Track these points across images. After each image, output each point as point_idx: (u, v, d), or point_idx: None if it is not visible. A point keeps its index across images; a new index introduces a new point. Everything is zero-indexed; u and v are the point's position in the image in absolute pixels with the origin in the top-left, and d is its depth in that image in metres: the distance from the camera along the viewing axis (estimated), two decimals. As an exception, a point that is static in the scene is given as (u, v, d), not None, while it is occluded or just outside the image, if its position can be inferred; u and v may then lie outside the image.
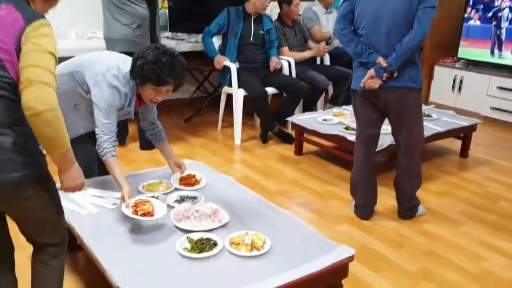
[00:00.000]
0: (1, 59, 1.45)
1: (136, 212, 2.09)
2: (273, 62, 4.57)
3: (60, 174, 1.64)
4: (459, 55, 5.75)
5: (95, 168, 2.68)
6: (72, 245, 2.45)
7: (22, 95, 1.42)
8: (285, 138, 4.54)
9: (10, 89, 1.47)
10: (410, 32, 2.62)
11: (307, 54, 4.94)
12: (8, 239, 1.81)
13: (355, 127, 3.10)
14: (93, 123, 2.38)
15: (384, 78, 2.69)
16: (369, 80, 2.72)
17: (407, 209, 3.08)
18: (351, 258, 2.03)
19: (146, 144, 4.25)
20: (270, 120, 4.50)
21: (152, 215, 2.10)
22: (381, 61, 2.67)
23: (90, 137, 2.49)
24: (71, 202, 2.35)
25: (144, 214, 2.08)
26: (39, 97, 1.41)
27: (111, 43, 3.82)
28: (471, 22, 5.62)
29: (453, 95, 5.72)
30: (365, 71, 2.75)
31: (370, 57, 2.71)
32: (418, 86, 2.77)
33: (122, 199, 2.17)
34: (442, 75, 5.84)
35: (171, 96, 5.68)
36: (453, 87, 5.71)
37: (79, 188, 1.71)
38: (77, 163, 1.66)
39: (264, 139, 4.55)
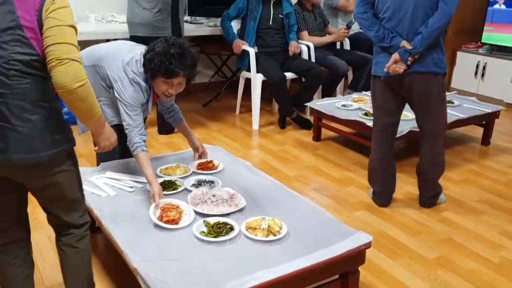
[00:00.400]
0: (27, 37, 1.45)
1: (161, 218, 2.07)
2: (292, 46, 4.53)
3: (95, 137, 1.73)
4: (483, 40, 5.63)
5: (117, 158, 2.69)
6: (91, 227, 2.50)
7: (53, 74, 1.44)
8: (303, 124, 4.52)
9: (39, 67, 1.49)
10: (435, 13, 2.56)
11: (326, 38, 4.88)
12: (26, 218, 1.85)
13: (373, 114, 3.06)
14: (114, 116, 2.39)
15: (408, 63, 2.64)
16: (393, 65, 2.66)
17: (430, 196, 3.04)
18: (368, 245, 2.01)
19: (164, 129, 4.27)
20: (289, 105, 4.47)
21: (176, 223, 2.06)
22: (405, 44, 2.61)
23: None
24: (90, 185, 2.38)
25: (168, 221, 2.06)
26: (71, 74, 1.43)
27: (132, 27, 3.82)
28: (496, 6, 5.48)
29: (476, 81, 5.62)
30: (387, 56, 2.69)
31: (393, 41, 2.65)
32: (442, 71, 2.71)
33: (152, 197, 2.17)
34: (465, 61, 5.73)
35: (190, 81, 5.70)
36: (476, 73, 5.61)
37: (113, 144, 1.79)
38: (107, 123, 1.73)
39: (282, 125, 4.53)
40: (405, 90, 2.76)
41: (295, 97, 4.54)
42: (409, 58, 2.62)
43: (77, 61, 1.45)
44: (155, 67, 2.23)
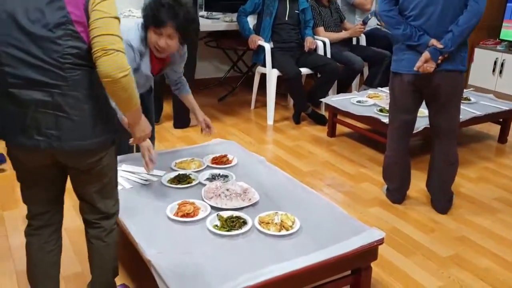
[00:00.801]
0: (77, 31, 1.53)
1: (177, 214, 2.09)
2: (308, 42, 4.52)
3: (132, 128, 1.77)
4: (501, 36, 5.56)
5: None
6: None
7: (99, 64, 1.50)
8: (318, 119, 4.51)
9: (88, 57, 1.55)
10: (465, 11, 2.53)
11: (342, 34, 4.86)
12: (63, 203, 1.92)
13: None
14: None
15: (438, 61, 2.60)
16: (425, 64, 2.62)
17: (445, 200, 2.96)
18: (381, 241, 2.01)
19: (180, 123, 4.30)
20: (304, 101, 4.47)
21: (192, 217, 2.07)
22: (434, 42, 2.57)
23: None
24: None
25: (183, 215, 2.08)
26: (115, 64, 1.49)
27: None
28: (516, 3, 5.41)
29: (494, 78, 5.55)
30: (412, 54, 2.65)
31: (422, 39, 2.60)
32: (465, 69, 2.71)
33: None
34: (483, 58, 5.66)
35: (205, 75, 5.77)
36: (493, 70, 5.54)
37: (148, 136, 1.84)
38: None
39: (297, 120, 4.53)
40: (431, 89, 2.71)
41: (310, 93, 4.53)
42: (440, 57, 2.59)
43: (121, 51, 1.52)
44: (147, 14, 2.27)
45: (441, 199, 2.96)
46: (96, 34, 1.51)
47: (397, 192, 3.03)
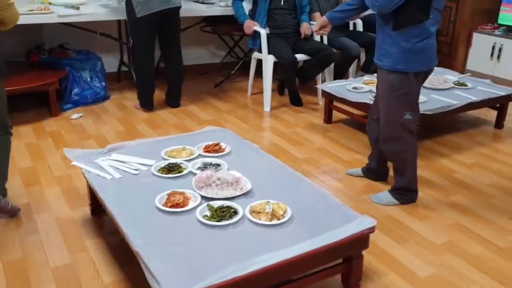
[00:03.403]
0: None
1: (166, 204, 2.07)
2: (304, 28, 4.47)
3: None
4: (499, 21, 5.49)
5: None
6: (98, 208, 2.53)
7: None
8: (295, 101, 4.62)
9: None
10: None
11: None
12: None
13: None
14: None
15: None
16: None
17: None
18: (372, 229, 2.00)
19: (173, 102, 4.42)
20: (295, 85, 4.56)
21: (181, 207, 2.05)
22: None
23: None
24: (96, 167, 2.39)
25: (173, 206, 2.06)
26: None
27: None
28: (514, -14, 5.34)
29: (492, 63, 5.50)
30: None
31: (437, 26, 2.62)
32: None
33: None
34: (481, 42, 5.61)
35: (201, 61, 5.73)
36: (491, 54, 5.49)
37: None
38: None
39: (281, 92, 4.79)
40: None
41: (300, 70, 4.58)
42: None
43: None
44: None
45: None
46: None
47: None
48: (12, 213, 2.58)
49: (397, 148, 2.78)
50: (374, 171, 3.12)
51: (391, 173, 2.98)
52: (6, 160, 2.61)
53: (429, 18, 2.49)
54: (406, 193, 2.86)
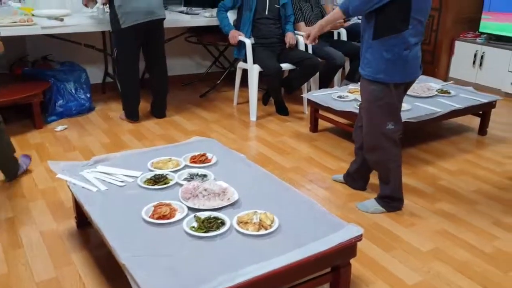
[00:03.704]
0: None
1: (153, 216, 2.06)
2: (288, 37, 4.50)
3: None
4: (481, 29, 5.59)
5: None
6: (83, 221, 2.50)
7: None
8: (281, 110, 4.63)
9: None
10: None
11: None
12: None
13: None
14: None
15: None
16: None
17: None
18: (359, 238, 2.00)
19: (158, 112, 4.42)
20: (280, 95, 4.58)
21: (168, 218, 2.04)
22: None
23: None
24: (81, 179, 2.37)
25: (159, 217, 2.05)
26: None
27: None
28: (494, -5, 5.44)
29: (474, 71, 5.58)
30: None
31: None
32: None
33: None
34: (463, 50, 5.69)
35: (187, 71, 5.74)
36: (473, 62, 5.57)
37: None
38: None
39: (265, 102, 4.81)
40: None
41: (286, 78, 4.59)
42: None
43: None
44: None
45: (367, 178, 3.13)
46: None
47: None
48: None
49: (380, 158, 2.80)
50: (352, 177, 3.13)
51: (374, 181, 2.99)
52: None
53: (408, 28, 2.49)
54: (391, 201, 2.88)
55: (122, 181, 2.36)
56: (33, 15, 4.26)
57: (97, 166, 2.49)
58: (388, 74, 2.57)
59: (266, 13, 4.50)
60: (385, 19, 2.49)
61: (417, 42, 2.59)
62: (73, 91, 4.38)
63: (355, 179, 3.13)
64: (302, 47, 4.63)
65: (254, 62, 4.40)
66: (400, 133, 2.78)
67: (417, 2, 2.45)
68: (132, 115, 4.27)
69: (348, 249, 2.01)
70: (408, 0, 2.43)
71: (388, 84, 2.59)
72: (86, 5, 4.29)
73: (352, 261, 2.09)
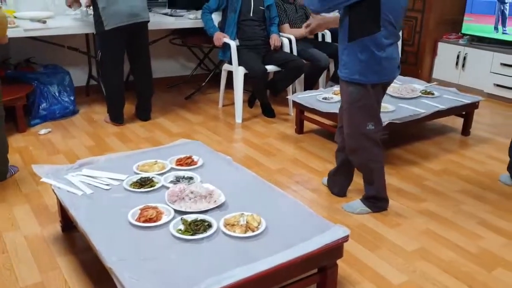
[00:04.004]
0: None
1: (139, 219, 2.05)
2: (273, 40, 4.52)
3: None
4: (463, 31, 5.66)
5: None
6: (68, 225, 2.48)
7: None
8: (268, 112, 4.62)
9: None
10: None
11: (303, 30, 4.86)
12: None
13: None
14: None
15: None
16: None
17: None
18: (346, 238, 2.01)
19: (143, 115, 4.40)
20: (266, 96, 4.57)
21: (154, 221, 2.03)
22: None
23: None
24: (66, 183, 2.35)
25: (146, 221, 2.03)
26: None
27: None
28: (476, -3, 5.51)
29: (457, 72, 5.65)
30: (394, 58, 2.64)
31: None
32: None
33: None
34: (446, 52, 5.76)
35: (172, 73, 5.72)
36: (456, 63, 5.64)
37: None
38: None
39: (251, 105, 4.75)
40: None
41: (271, 80, 4.60)
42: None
43: None
44: None
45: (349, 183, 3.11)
46: None
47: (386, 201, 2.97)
48: None
49: (363, 158, 2.81)
50: (332, 180, 3.12)
51: (359, 181, 3.01)
52: None
53: (381, 30, 2.51)
54: (377, 201, 2.90)
55: (107, 185, 2.34)
56: (15, 17, 4.21)
57: (82, 170, 2.46)
58: (364, 75, 2.59)
59: (251, 14, 4.50)
60: (357, 20, 2.51)
61: (392, 43, 2.60)
62: (57, 94, 4.34)
63: (335, 183, 3.12)
64: (287, 49, 4.64)
65: (239, 64, 4.40)
66: (385, 134, 2.80)
67: (389, 3, 2.47)
68: (117, 118, 4.25)
69: (335, 250, 2.02)
70: None
71: (365, 85, 2.61)
72: (70, 6, 4.25)
73: (338, 261, 2.10)
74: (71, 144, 3.81)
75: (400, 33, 2.66)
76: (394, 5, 2.50)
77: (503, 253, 2.53)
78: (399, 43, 4.84)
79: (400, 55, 2.67)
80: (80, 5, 4.28)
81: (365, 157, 2.79)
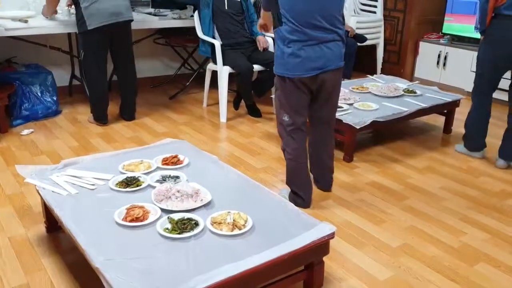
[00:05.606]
0: None
1: (126, 218, 2.04)
2: (261, 42, 4.51)
3: None
4: (444, 30, 5.74)
5: None
6: (53, 226, 2.46)
7: None
8: (254, 112, 4.63)
9: None
10: None
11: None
12: None
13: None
14: None
15: None
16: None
17: (330, 176, 3.13)
18: (332, 235, 2.04)
19: (127, 115, 4.39)
20: (250, 95, 4.55)
21: (141, 221, 2.03)
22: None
23: None
24: (51, 183, 2.33)
25: (132, 220, 2.03)
26: None
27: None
28: (456, -3, 5.59)
29: (438, 71, 5.73)
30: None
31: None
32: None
33: None
34: (427, 51, 5.84)
35: (155, 73, 5.69)
36: (438, 62, 5.72)
37: None
38: None
39: (237, 106, 4.73)
40: (317, 85, 2.72)
41: (256, 81, 4.58)
42: None
43: None
44: None
45: (326, 176, 3.12)
46: None
47: (310, 197, 2.95)
48: None
49: (281, 146, 2.91)
50: (313, 176, 3.13)
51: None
52: None
53: (283, 25, 2.61)
54: (294, 196, 2.92)
55: (93, 184, 2.34)
56: (-4, 16, 4.16)
57: (66, 170, 2.45)
58: (277, 67, 2.71)
59: (226, 7, 4.45)
60: (272, 14, 2.73)
61: (297, 40, 2.58)
62: (39, 94, 4.30)
63: (314, 177, 3.13)
64: (271, 48, 4.65)
65: (224, 64, 4.39)
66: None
67: (284, 2, 2.58)
68: (101, 118, 4.22)
69: (321, 247, 2.04)
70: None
71: (282, 77, 2.69)
72: (70, 6, 4.24)
73: (325, 258, 2.13)
74: (54, 145, 3.78)
75: (344, 36, 2.64)
76: (292, 6, 2.56)
77: (484, 248, 2.58)
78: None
79: (340, 54, 2.68)
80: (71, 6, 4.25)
81: (282, 145, 2.90)
